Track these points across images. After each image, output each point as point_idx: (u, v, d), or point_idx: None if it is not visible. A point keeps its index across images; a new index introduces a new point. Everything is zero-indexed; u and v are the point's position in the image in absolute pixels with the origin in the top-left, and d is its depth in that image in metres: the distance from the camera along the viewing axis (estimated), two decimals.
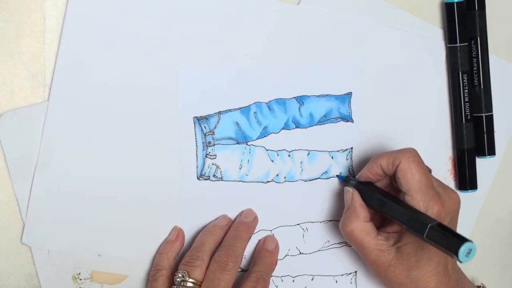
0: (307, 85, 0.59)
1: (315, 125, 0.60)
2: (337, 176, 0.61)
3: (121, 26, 0.55)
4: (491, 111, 0.63)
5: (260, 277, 0.56)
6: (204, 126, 0.58)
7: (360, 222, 0.55)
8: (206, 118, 0.57)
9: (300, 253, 0.61)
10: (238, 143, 0.59)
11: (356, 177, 0.59)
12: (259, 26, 0.58)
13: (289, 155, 0.60)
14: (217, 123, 0.58)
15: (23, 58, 0.54)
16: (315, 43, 0.59)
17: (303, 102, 0.59)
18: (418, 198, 0.53)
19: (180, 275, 0.54)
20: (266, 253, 0.59)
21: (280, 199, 0.60)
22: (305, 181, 0.60)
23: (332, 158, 0.61)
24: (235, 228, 0.58)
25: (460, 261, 0.47)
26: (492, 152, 0.64)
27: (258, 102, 0.58)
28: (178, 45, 0.56)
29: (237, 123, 0.58)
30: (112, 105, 0.56)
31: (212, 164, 0.58)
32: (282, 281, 0.61)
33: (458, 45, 0.61)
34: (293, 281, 0.61)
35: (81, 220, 0.57)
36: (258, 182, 0.59)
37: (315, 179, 0.60)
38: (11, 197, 0.55)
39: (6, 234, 0.56)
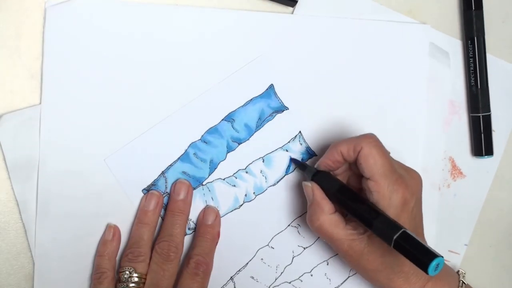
0: (229, 101, 0.59)
1: (255, 132, 0.59)
2: (291, 159, 0.60)
3: (104, 29, 0.56)
4: (489, 111, 0.63)
5: (199, 262, 0.56)
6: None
7: (326, 215, 0.54)
8: (154, 184, 0.58)
9: (304, 248, 0.61)
10: (194, 188, 0.58)
11: (315, 166, 0.57)
12: (257, 40, 0.59)
13: (246, 172, 0.59)
14: (166, 182, 0.58)
15: (23, 58, 0.55)
16: (313, 51, 0.60)
17: (233, 119, 0.59)
18: (382, 183, 0.52)
19: (127, 272, 0.55)
20: (206, 229, 0.58)
21: (260, 214, 0.60)
22: (274, 185, 0.60)
23: (287, 150, 0.60)
24: (171, 211, 0.57)
25: (427, 273, 0.46)
26: (490, 152, 0.64)
27: (192, 142, 0.58)
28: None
29: (184, 172, 0.58)
30: (103, 105, 0.57)
31: None
32: (301, 281, 0.61)
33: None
34: (312, 275, 0.61)
35: (88, 261, 0.57)
36: (232, 211, 0.59)
37: (282, 178, 0.60)
38: (10, 198, 0.56)
39: (6, 235, 0.56)
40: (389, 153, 0.55)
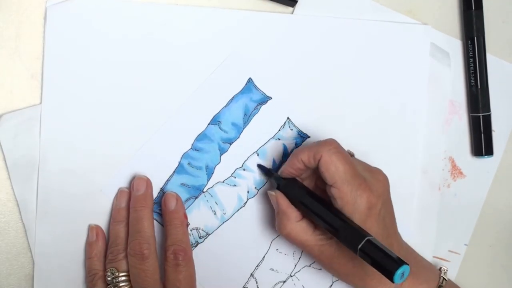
0: (211, 104, 0.58)
1: (244, 128, 0.59)
2: (258, 166, 0.59)
3: (106, 28, 0.56)
4: (489, 111, 0.63)
5: (176, 251, 0.55)
6: (160, 209, 0.58)
7: (293, 223, 0.54)
8: (155, 203, 0.57)
9: None
10: (196, 197, 0.58)
11: (278, 172, 0.56)
12: (257, 40, 0.59)
13: (244, 169, 0.59)
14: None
15: (23, 58, 0.55)
16: (313, 51, 0.60)
17: (219, 121, 0.58)
18: (344, 189, 0.51)
19: (109, 274, 0.55)
20: (171, 216, 0.56)
21: (266, 206, 0.60)
22: None
23: (280, 139, 0.60)
24: (133, 208, 0.56)
25: (393, 282, 0.46)
26: (489, 152, 0.64)
27: (184, 153, 0.58)
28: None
29: (182, 184, 0.58)
30: (103, 105, 0.57)
31: (191, 230, 0.58)
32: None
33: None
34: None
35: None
36: (238, 210, 0.59)
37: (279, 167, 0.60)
38: (10, 198, 0.56)
39: (6, 234, 0.56)
40: (353, 154, 0.55)
